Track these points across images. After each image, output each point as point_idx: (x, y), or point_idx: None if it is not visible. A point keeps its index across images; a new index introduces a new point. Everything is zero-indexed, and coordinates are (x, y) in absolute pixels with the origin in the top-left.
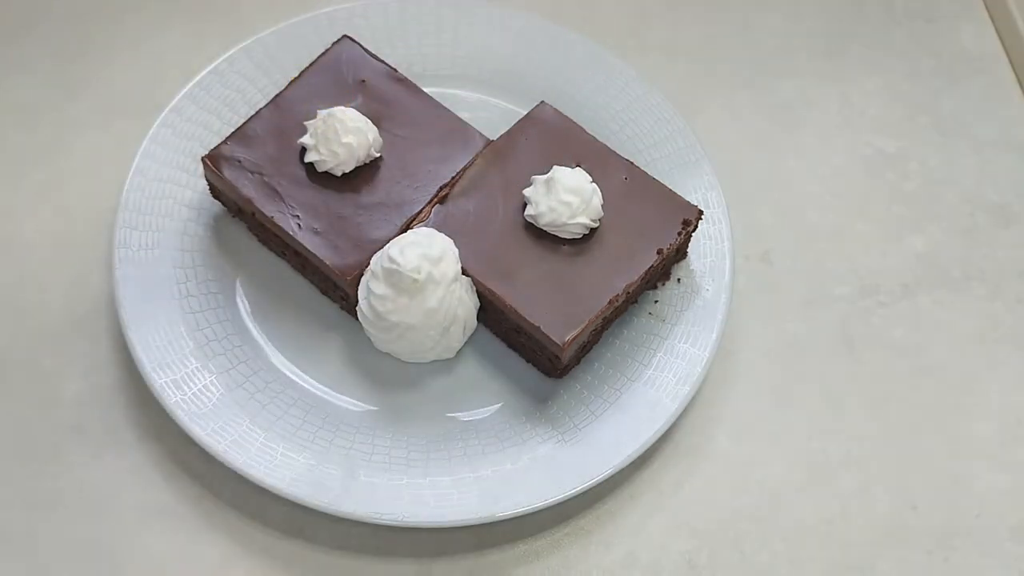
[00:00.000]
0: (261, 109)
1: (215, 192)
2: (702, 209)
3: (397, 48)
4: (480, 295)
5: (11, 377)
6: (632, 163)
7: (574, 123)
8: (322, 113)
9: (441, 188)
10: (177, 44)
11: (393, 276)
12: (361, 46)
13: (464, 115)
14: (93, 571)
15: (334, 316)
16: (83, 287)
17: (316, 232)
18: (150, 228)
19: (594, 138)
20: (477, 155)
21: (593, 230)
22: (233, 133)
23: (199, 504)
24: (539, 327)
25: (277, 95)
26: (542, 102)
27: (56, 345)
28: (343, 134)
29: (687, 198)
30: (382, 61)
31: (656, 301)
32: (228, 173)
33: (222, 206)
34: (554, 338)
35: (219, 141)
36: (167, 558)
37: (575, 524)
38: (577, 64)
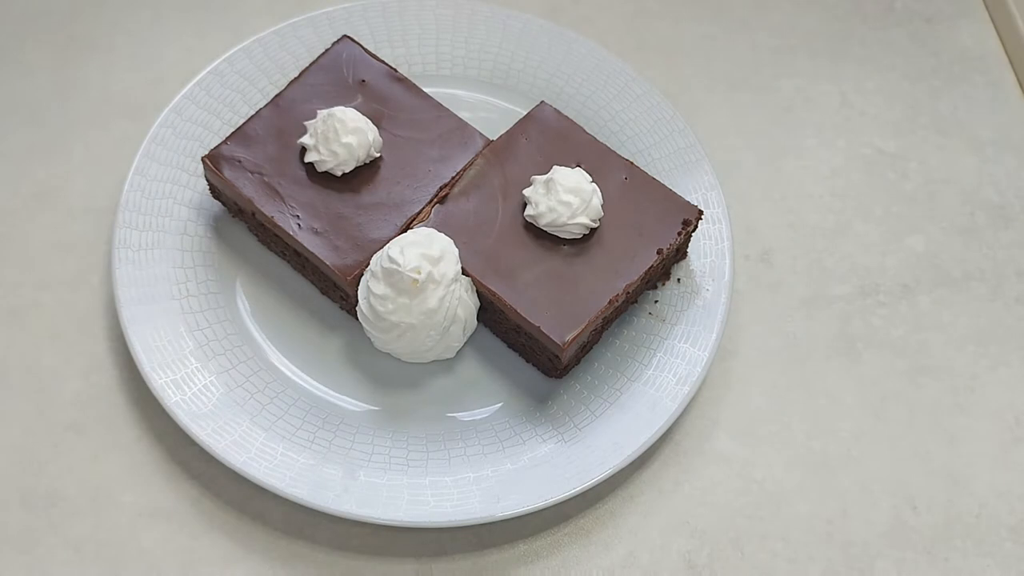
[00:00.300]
0: (261, 109)
1: (215, 192)
2: (702, 209)
3: (397, 48)
4: (480, 295)
5: (11, 377)
6: (632, 163)
7: (574, 123)
8: (322, 113)
9: (441, 188)
10: (177, 44)
11: (393, 276)
12: (361, 46)
13: (464, 115)
14: (93, 570)
15: (334, 316)
16: (83, 287)
17: (316, 232)
18: (150, 228)
19: (594, 138)
20: (477, 155)
21: (593, 230)
22: (233, 133)
23: (199, 504)
24: (539, 327)
25: (277, 95)
26: (542, 102)
27: (56, 345)
28: (343, 134)
29: (687, 198)
30: (382, 61)
31: (656, 301)
32: (228, 173)
33: (222, 206)
34: (554, 338)
35: (219, 141)
36: (166, 558)
37: (575, 524)
38: (577, 64)
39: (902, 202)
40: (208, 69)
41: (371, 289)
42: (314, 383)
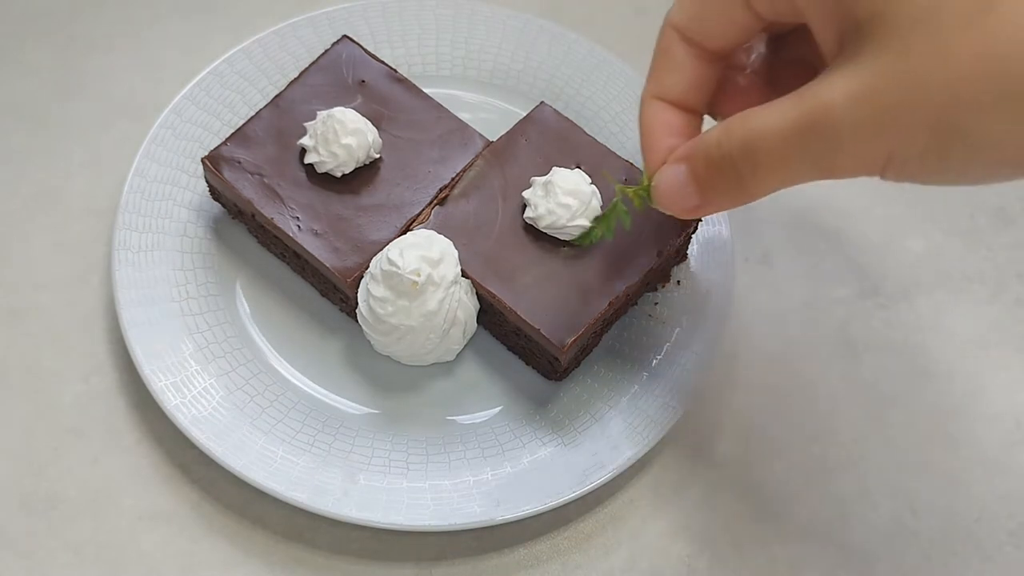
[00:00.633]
0: (261, 110)
1: (215, 194)
2: None
3: (397, 48)
4: (480, 297)
5: (11, 378)
6: (632, 164)
7: (574, 124)
8: (321, 114)
9: (441, 189)
10: (177, 44)
11: (392, 278)
12: (361, 46)
13: (464, 116)
14: (92, 573)
15: (334, 318)
16: (83, 288)
17: (316, 234)
18: (150, 230)
19: (594, 139)
20: (477, 156)
21: None
22: (233, 134)
23: (199, 508)
24: (539, 330)
25: (277, 96)
26: (542, 103)
27: (56, 347)
28: (343, 135)
29: None
30: (382, 61)
31: (656, 303)
32: (228, 174)
33: (222, 208)
34: (554, 341)
35: (219, 142)
36: (166, 561)
37: (575, 528)
38: (577, 64)
39: (902, 204)
40: (208, 70)
41: (371, 291)
42: (314, 386)
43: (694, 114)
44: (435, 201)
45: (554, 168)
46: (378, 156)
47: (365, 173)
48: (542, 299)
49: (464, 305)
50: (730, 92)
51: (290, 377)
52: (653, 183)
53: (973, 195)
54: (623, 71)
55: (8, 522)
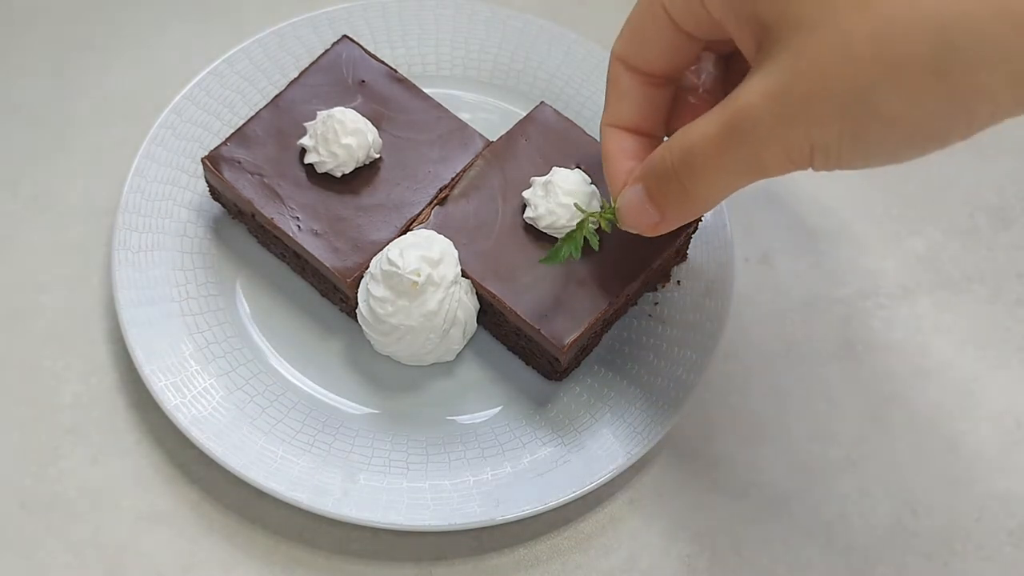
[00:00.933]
0: (261, 110)
1: (215, 194)
2: None
3: (397, 48)
4: (480, 297)
5: (10, 379)
6: None
7: (574, 124)
8: (321, 114)
9: (441, 189)
10: (177, 44)
11: (392, 278)
12: (361, 46)
13: (464, 115)
14: (92, 574)
15: (334, 319)
16: (83, 288)
17: (316, 234)
18: (150, 230)
19: (594, 139)
20: (477, 156)
21: None
22: (233, 134)
23: (198, 508)
24: (539, 330)
25: (277, 96)
26: (542, 103)
27: (55, 347)
28: (343, 135)
29: None
30: (382, 61)
31: (656, 303)
32: (228, 174)
33: (222, 208)
34: (554, 341)
35: (219, 142)
36: (166, 562)
37: (575, 528)
38: (577, 64)
39: (902, 204)
40: (208, 70)
41: (370, 291)
42: (314, 386)
43: (651, 137)
44: (435, 201)
45: (554, 168)
46: (378, 156)
47: (365, 173)
48: (542, 299)
49: (464, 305)
50: (685, 113)
51: (290, 377)
52: (616, 205)
53: (973, 195)
54: None
55: (8, 522)
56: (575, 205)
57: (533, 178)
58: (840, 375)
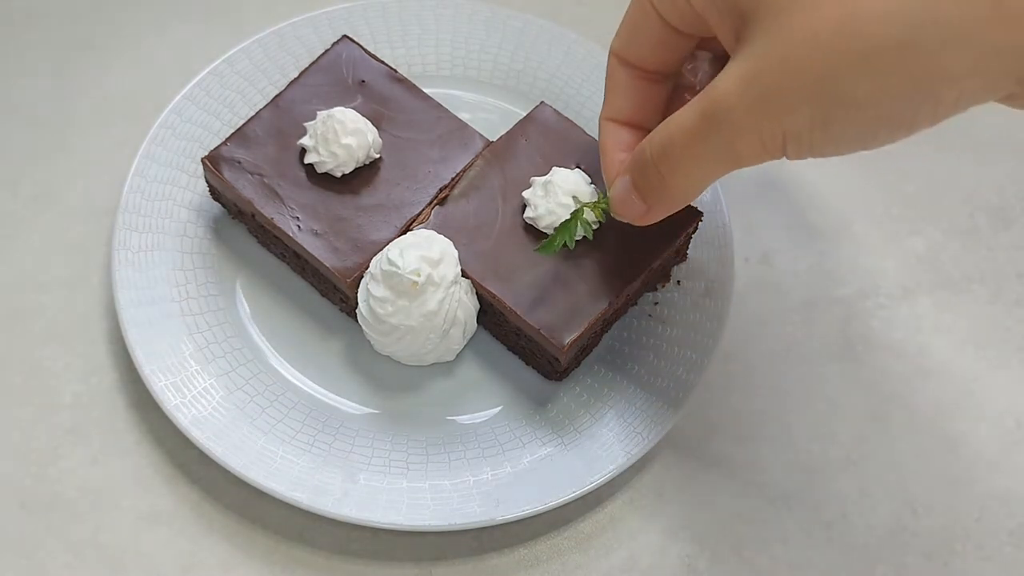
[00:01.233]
0: (261, 110)
1: (215, 194)
2: (702, 211)
3: (397, 48)
4: (480, 297)
5: (10, 379)
6: None
7: (574, 124)
8: (321, 114)
9: (441, 189)
10: (177, 44)
11: (392, 278)
12: (361, 46)
13: (464, 115)
14: (92, 574)
15: (334, 318)
16: (82, 288)
17: (316, 234)
18: (150, 230)
19: (594, 139)
20: (477, 156)
21: (593, 232)
22: (233, 134)
23: (198, 508)
24: (539, 330)
25: (277, 96)
26: (542, 102)
27: (55, 347)
28: (342, 135)
29: None
30: (382, 61)
31: (656, 303)
32: (228, 174)
33: (222, 208)
34: (554, 341)
35: (219, 142)
36: (166, 562)
37: (575, 528)
38: (577, 64)
39: (902, 203)
40: (208, 70)
41: (370, 291)
42: (314, 386)
43: (646, 131)
44: (435, 201)
45: (554, 168)
46: (378, 156)
47: (365, 173)
48: (542, 299)
49: (464, 305)
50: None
51: (290, 377)
52: (609, 195)
53: (973, 195)
54: None
55: (8, 522)
56: (573, 198)
57: (533, 178)
58: (840, 375)
